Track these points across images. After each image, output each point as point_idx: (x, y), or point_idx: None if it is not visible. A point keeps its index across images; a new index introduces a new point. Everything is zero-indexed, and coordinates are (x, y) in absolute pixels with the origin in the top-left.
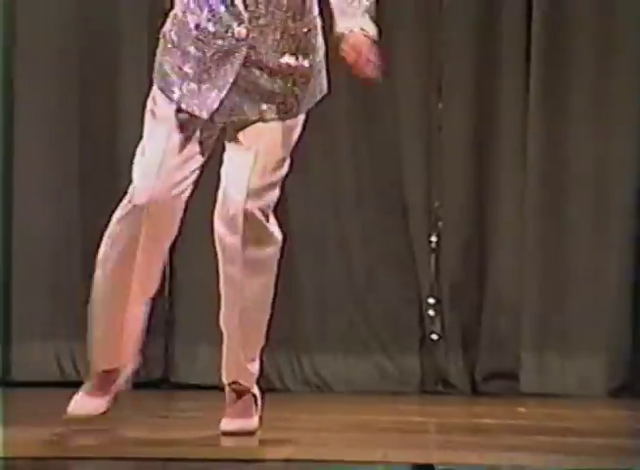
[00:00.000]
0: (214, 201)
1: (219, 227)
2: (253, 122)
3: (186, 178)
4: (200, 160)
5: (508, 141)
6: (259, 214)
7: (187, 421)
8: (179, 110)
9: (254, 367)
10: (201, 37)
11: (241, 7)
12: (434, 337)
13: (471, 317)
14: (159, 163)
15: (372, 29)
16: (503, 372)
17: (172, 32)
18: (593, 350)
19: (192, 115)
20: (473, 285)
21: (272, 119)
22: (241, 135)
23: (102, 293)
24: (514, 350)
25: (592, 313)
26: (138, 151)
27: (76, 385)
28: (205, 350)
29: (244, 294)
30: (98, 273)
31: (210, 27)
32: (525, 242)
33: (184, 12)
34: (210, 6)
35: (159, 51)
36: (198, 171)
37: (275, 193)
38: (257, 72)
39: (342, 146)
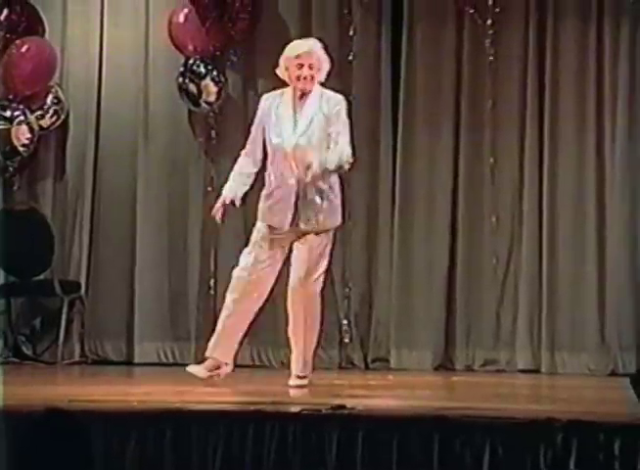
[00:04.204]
0: None
1: None
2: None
3: None
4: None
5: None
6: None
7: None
8: None
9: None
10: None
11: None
12: (347, 340)
13: (365, 330)
14: None
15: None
16: (381, 358)
17: None
18: (425, 343)
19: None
20: (364, 316)
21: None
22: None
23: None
24: (387, 346)
25: (425, 320)
26: None
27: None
28: None
29: None
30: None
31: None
32: (391, 297)
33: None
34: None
35: None
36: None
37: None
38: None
39: None
